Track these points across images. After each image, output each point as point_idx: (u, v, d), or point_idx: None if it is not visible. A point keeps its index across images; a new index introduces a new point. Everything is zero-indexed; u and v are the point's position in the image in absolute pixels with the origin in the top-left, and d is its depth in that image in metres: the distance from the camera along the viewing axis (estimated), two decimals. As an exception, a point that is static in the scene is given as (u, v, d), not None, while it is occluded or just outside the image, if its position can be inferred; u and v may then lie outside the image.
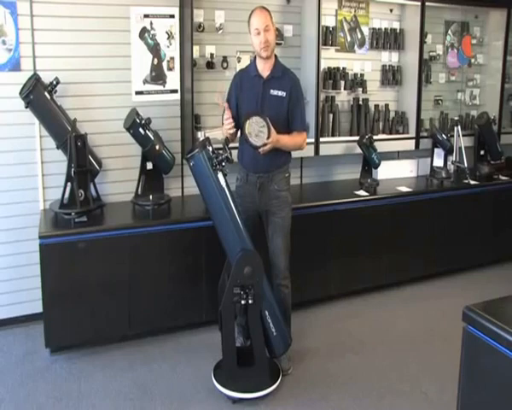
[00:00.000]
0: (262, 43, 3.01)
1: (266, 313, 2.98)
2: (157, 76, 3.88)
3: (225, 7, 3.98)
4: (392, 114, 4.83)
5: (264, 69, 3.10)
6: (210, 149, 2.79)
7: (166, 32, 3.85)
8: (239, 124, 3.08)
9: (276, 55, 3.16)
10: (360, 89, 4.60)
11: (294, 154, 4.16)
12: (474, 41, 5.27)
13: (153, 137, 3.58)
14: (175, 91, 3.94)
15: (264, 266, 2.94)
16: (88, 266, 3.29)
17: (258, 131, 2.92)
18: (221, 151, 2.81)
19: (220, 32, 3.97)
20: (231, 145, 2.99)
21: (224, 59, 3.98)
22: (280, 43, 4.21)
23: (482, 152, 5.12)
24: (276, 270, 3.19)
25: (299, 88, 3.18)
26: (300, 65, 4.35)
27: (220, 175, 2.80)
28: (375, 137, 4.42)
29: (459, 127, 4.80)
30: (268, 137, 2.92)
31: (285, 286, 3.23)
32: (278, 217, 3.16)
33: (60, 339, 3.36)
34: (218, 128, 3.94)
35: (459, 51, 5.19)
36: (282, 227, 3.17)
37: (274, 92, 3.07)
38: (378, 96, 4.76)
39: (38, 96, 3.31)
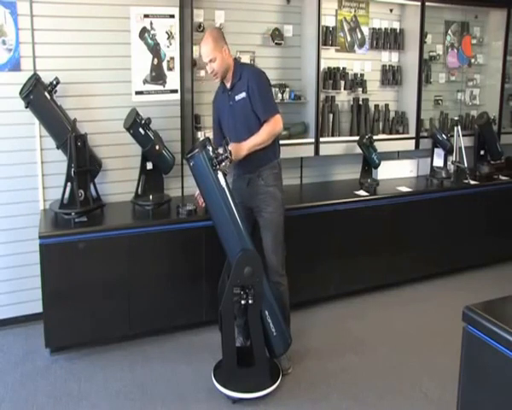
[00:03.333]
0: (209, 73, 3.11)
1: (266, 312, 2.98)
2: (157, 76, 3.88)
3: (225, 7, 3.98)
4: (392, 114, 4.83)
5: (227, 81, 3.14)
6: (210, 149, 2.79)
7: (166, 32, 3.85)
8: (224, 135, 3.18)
9: (235, 60, 3.17)
10: (360, 89, 4.60)
11: (294, 154, 4.18)
12: (474, 41, 5.27)
13: (153, 137, 3.57)
14: (175, 91, 3.94)
15: (263, 266, 2.94)
16: (88, 266, 3.29)
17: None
18: (221, 151, 2.81)
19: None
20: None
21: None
22: (280, 44, 4.21)
23: (482, 152, 5.12)
24: (269, 268, 3.16)
25: (256, 79, 3.07)
26: (300, 65, 4.36)
27: (220, 175, 2.80)
28: (375, 137, 4.42)
29: (459, 127, 4.80)
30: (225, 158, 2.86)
31: (280, 284, 3.20)
32: (266, 212, 3.14)
33: (60, 339, 3.35)
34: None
35: (459, 51, 5.19)
36: (271, 224, 3.14)
37: (238, 97, 3.09)
38: (378, 96, 4.76)
39: (38, 96, 3.31)
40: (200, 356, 3.37)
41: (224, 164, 2.77)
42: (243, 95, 3.06)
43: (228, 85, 3.14)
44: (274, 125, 3.07)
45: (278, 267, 3.19)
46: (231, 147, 2.90)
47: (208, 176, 2.79)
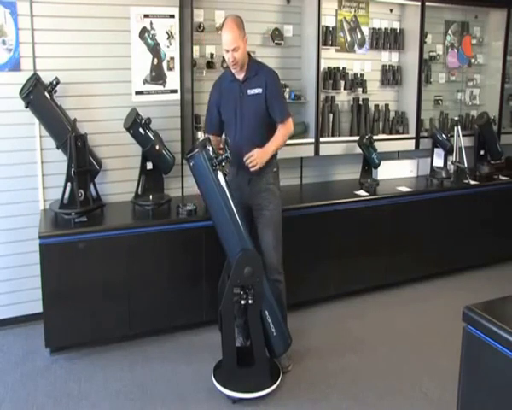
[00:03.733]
0: (230, 61, 3.06)
1: (266, 312, 2.98)
2: (157, 76, 3.88)
3: (225, 7, 3.98)
4: (392, 114, 4.83)
5: (241, 72, 3.13)
6: (210, 148, 2.79)
7: (166, 32, 3.85)
8: (222, 128, 3.25)
9: (249, 54, 3.16)
10: (360, 89, 4.60)
11: (294, 154, 4.17)
12: (474, 41, 5.27)
13: (153, 137, 3.57)
14: (175, 91, 3.94)
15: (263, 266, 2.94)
16: (88, 266, 3.29)
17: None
18: (221, 151, 2.82)
19: (220, 32, 3.96)
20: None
21: (224, 59, 3.97)
22: (280, 44, 4.21)
23: (482, 152, 5.12)
24: (269, 266, 3.16)
25: (274, 80, 3.16)
26: (300, 65, 4.36)
27: (220, 175, 2.80)
28: (375, 137, 4.42)
29: (459, 127, 4.80)
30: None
31: (279, 282, 3.22)
32: (267, 210, 3.15)
33: (60, 339, 3.35)
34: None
35: (459, 51, 5.19)
36: (271, 222, 3.15)
37: (251, 92, 3.10)
38: (378, 96, 4.76)
39: (38, 96, 3.31)
40: (200, 356, 3.37)
41: (223, 164, 2.77)
42: (259, 91, 3.08)
43: (240, 77, 3.12)
44: (288, 128, 3.17)
45: (278, 265, 3.20)
46: (256, 153, 2.97)
47: (208, 176, 2.80)
